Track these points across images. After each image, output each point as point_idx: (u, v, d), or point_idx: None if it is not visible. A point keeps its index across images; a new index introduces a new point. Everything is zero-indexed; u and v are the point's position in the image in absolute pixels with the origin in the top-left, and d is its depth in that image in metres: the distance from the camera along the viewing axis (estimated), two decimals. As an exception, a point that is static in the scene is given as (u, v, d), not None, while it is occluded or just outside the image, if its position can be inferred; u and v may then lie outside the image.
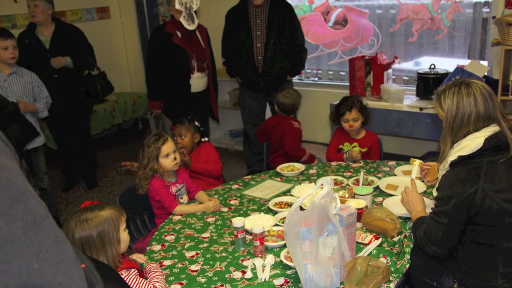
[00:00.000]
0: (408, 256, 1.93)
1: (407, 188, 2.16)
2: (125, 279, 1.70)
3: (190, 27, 3.76)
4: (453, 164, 1.85)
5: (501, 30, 3.49)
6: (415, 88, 4.13)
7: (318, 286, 1.69)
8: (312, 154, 3.64)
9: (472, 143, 1.82)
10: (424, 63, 4.41)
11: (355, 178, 2.68)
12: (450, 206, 1.79)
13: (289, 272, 1.86)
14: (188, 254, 2.06)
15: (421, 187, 2.44)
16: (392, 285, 1.74)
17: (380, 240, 1.99)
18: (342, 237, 1.72)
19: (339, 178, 2.71)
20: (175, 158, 2.53)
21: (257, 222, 2.15)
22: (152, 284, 1.74)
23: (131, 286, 1.70)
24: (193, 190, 2.67)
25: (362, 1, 4.71)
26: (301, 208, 1.71)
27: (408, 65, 4.59)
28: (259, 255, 1.98)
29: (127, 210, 2.28)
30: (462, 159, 1.82)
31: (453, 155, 1.86)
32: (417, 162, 2.33)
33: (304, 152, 3.58)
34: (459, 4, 4.15)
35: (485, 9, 4.04)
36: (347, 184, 2.60)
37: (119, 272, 1.70)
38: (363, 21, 4.72)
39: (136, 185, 2.57)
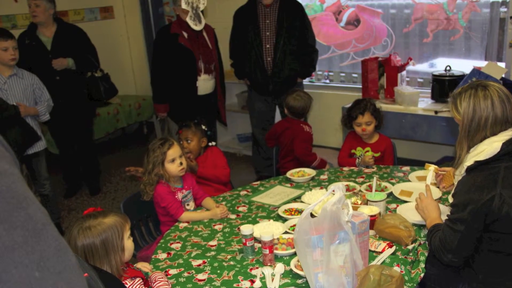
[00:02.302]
0: (422, 265, 1.90)
1: (421, 194, 2.13)
2: (129, 288, 1.68)
3: (197, 27, 3.73)
4: (469, 170, 1.83)
5: (518, 30, 3.42)
6: (430, 91, 4.08)
7: (329, 296, 1.65)
8: (323, 159, 3.60)
9: (489, 147, 1.79)
10: (440, 64, 4.35)
11: (368, 184, 2.65)
12: (466, 213, 1.76)
13: (299, 281, 1.83)
14: (195, 263, 2.04)
15: (436, 193, 2.40)
16: (407, 295, 1.70)
17: (393, 248, 1.96)
18: (355, 245, 1.69)
19: (351, 184, 2.68)
20: (181, 163, 2.50)
21: (266, 230, 2.14)
22: (157, 294, 1.71)
23: (135, 296, 1.67)
24: (200, 196, 2.64)
25: (375, 0, 4.67)
26: (312, 215, 1.70)
27: (423, 67, 4.53)
28: (269, 264, 1.95)
29: (132, 217, 2.26)
30: (478, 164, 1.79)
31: (469, 160, 1.84)
32: (432, 167, 2.32)
33: (315, 157, 3.54)
34: (475, 4, 4.08)
35: (503, 9, 3.97)
36: (360, 190, 2.57)
37: (123, 282, 1.69)
38: (376, 21, 4.67)
39: (140, 191, 2.55)
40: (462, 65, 4.10)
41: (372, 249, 1.97)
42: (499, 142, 1.78)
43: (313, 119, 4.78)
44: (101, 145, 5.67)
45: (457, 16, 4.20)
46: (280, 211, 2.41)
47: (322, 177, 2.90)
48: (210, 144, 3.13)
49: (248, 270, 1.94)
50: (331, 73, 5.10)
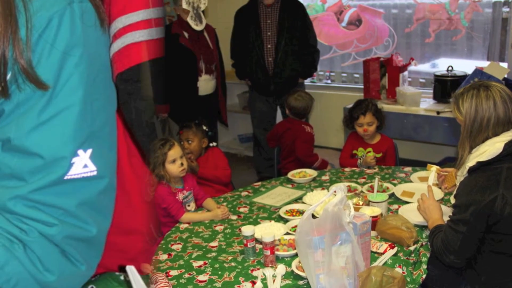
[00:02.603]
0: (424, 266, 1.89)
1: (423, 195, 2.12)
2: (129, 290, 1.66)
3: (198, 27, 3.71)
4: (471, 170, 1.82)
5: (521, 30, 3.41)
6: (432, 91, 4.06)
7: (330, 297, 1.64)
8: (325, 160, 3.60)
9: (491, 148, 1.79)
10: (442, 65, 4.33)
11: (369, 184, 2.63)
12: (468, 214, 1.76)
13: (300, 282, 1.82)
14: (196, 264, 2.03)
15: (438, 194, 2.39)
16: (408, 297, 1.69)
17: (395, 249, 1.95)
18: (356, 246, 1.68)
19: (353, 184, 2.67)
20: (182, 164, 2.50)
21: (267, 231, 2.12)
22: (157, 296, 1.70)
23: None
24: (200, 197, 2.63)
25: (377, 0, 4.66)
26: (313, 216, 1.68)
27: (425, 67, 4.52)
28: (270, 265, 1.94)
29: (133, 218, 2.25)
30: (481, 165, 1.79)
31: (471, 161, 1.83)
32: (434, 168, 2.31)
33: (317, 158, 3.53)
34: (478, 4, 4.07)
35: (505, 9, 3.96)
36: (361, 191, 2.55)
37: (124, 283, 1.66)
38: (378, 21, 4.66)
39: (141, 192, 2.52)
40: (464, 65, 4.08)
41: (374, 250, 1.95)
42: (501, 142, 1.77)
43: (315, 119, 4.77)
44: (101, 145, 5.65)
45: (459, 16, 4.19)
46: (282, 212, 2.40)
47: (323, 178, 2.89)
48: (211, 144, 3.12)
49: (249, 271, 1.93)
50: (332, 73, 5.09)
